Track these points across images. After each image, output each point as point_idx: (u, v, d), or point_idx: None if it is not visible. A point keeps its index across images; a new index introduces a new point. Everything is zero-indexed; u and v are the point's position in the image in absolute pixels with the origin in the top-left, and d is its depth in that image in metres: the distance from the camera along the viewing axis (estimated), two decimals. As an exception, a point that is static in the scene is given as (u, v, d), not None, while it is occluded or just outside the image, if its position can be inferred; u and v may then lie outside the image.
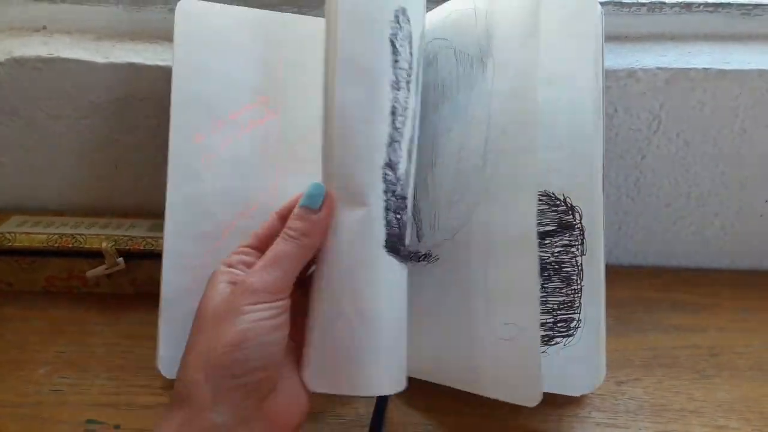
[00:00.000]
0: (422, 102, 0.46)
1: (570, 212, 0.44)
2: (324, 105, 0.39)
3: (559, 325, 0.44)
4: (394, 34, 0.39)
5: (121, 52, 0.54)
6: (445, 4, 0.47)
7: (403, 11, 0.39)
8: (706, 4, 0.56)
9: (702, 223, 0.60)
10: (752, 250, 0.62)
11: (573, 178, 0.44)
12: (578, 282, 0.44)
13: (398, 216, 0.39)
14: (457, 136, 0.44)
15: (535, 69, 0.40)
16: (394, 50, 0.39)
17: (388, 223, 0.39)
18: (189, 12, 0.48)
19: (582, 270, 0.44)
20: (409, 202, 0.41)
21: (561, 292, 0.44)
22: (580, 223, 0.44)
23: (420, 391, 0.43)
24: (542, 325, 0.44)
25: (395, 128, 0.39)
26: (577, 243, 0.44)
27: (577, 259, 0.44)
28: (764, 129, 0.55)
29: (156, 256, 0.53)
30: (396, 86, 0.39)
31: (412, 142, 0.40)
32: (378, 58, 0.38)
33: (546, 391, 0.42)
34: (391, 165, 0.39)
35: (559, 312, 0.44)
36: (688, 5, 0.56)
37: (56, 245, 0.53)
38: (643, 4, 0.56)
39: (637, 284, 0.60)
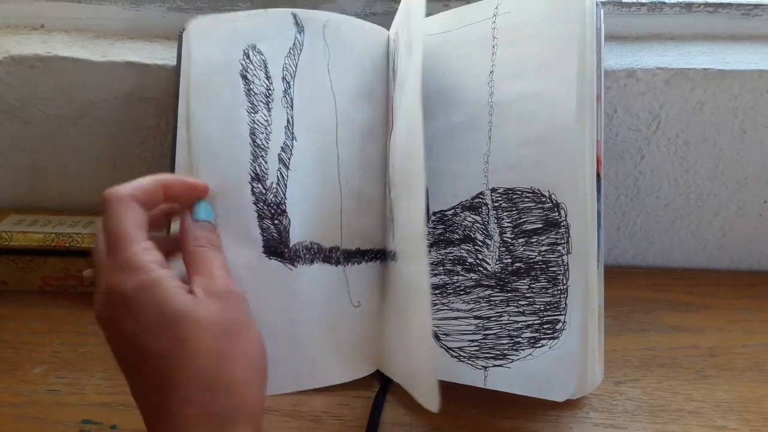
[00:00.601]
0: (396, 100, 0.47)
1: (555, 209, 0.43)
2: (188, 134, 0.44)
3: (545, 326, 0.43)
4: (245, 68, 0.45)
5: (120, 50, 0.54)
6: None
7: (254, 47, 0.45)
8: (706, 5, 0.56)
9: (701, 223, 0.60)
10: (751, 250, 0.62)
11: (558, 174, 0.43)
12: (564, 282, 0.43)
13: (275, 222, 0.43)
14: (400, 132, 0.44)
15: (418, 64, 0.39)
16: (246, 81, 0.45)
17: (264, 230, 0.43)
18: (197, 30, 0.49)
19: (568, 269, 0.43)
20: (294, 206, 0.44)
21: (547, 293, 0.43)
22: (566, 220, 0.43)
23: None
24: (528, 326, 0.44)
25: (257, 145, 0.44)
26: (562, 241, 0.43)
27: (563, 258, 0.43)
28: (763, 129, 0.55)
29: (153, 256, 0.53)
30: (253, 110, 0.44)
31: (290, 150, 0.45)
32: (231, 93, 0.44)
33: (530, 395, 0.42)
34: (258, 178, 0.43)
35: (545, 313, 0.43)
36: (688, 5, 0.56)
37: (53, 245, 0.53)
38: (643, 4, 0.56)
39: (635, 284, 0.59)
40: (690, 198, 0.59)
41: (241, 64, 0.45)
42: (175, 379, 0.31)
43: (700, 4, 0.56)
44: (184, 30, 0.50)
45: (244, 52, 0.45)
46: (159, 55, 0.53)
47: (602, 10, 0.44)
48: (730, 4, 0.56)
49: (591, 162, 0.42)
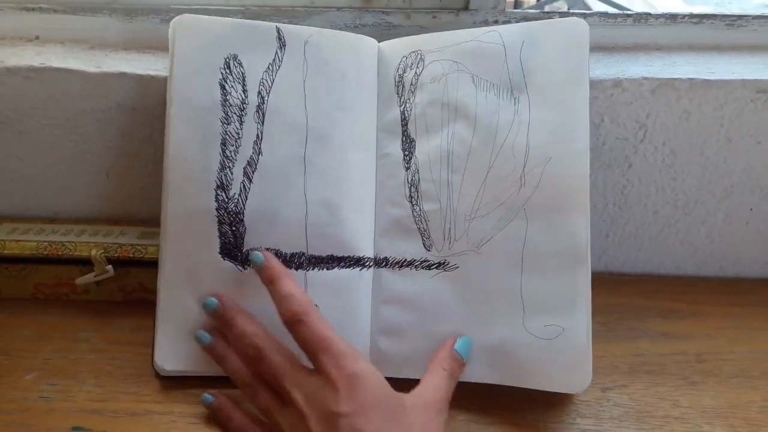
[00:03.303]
0: (424, 116, 0.50)
1: None
2: (166, 135, 0.48)
3: None
4: (224, 78, 0.48)
5: (113, 61, 0.54)
6: (456, 32, 0.51)
7: (235, 57, 0.48)
8: (691, 16, 0.57)
9: (689, 231, 0.61)
10: (739, 257, 0.62)
11: None
12: None
13: (233, 228, 0.47)
14: (482, 157, 0.48)
15: (585, 112, 0.47)
16: (224, 91, 0.48)
17: (222, 234, 0.47)
18: (184, 26, 0.49)
19: None
20: (251, 216, 0.48)
21: None
22: None
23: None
24: None
25: (226, 156, 0.47)
26: None
27: None
28: (749, 138, 0.55)
29: (145, 264, 0.53)
30: (226, 121, 0.48)
31: (255, 164, 0.48)
32: (207, 100, 0.47)
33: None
34: (223, 187, 0.47)
35: None
36: (674, 16, 0.57)
37: (46, 253, 0.53)
38: (629, 15, 0.57)
39: (624, 291, 0.60)
40: (678, 206, 0.59)
41: (221, 72, 0.48)
42: None
43: (685, 15, 0.57)
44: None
45: (225, 61, 0.48)
46: (152, 66, 0.54)
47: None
48: (714, 15, 0.57)
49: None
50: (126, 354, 0.51)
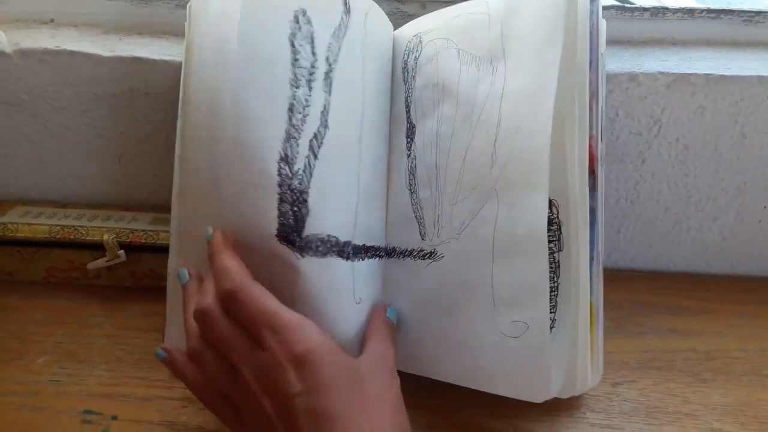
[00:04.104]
0: (421, 100, 0.48)
1: (549, 206, 0.42)
2: (208, 98, 0.40)
3: None
4: (293, 34, 0.41)
5: (128, 45, 0.54)
6: (451, 7, 0.49)
7: (303, 12, 0.42)
8: (709, 11, 0.56)
9: (701, 228, 0.61)
10: (750, 255, 0.62)
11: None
12: (554, 279, 0.43)
13: (295, 209, 0.40)
14: (463, 135, 0.45)
15: (554, 76, 0.41)
16: (293, 49, 0.41)
17: (281, 214, 0.40)
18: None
19: (559, 267, 0.43)
20: (315, 198, 0.41)
21: None
22: (557, 217, 0.43)
23: (413, 391, 0.43)
24: None
25: (292, 125, 0.41)
26: (554, 238, 0.43)
27: (554, 255, 0.43)
28: (764, 135, 0.55)
29: (157, 249, 0.53)
30: (295, 84, 0.41)
31: (321, 138, 0.42)
32: (276, 56, 0.40)
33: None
34: (287, 160, 0.40)
35: None
36: (691, 11, 0.56)
37: (58, 237, 0.53)
38: (646, 9, 0.56)
39: (634, 287, 0.60)
40: (690, 202, 0.59)
41: (290, 27, 0.41)
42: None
43: (702, 10, 0.56)
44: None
45: (295, 14, 0.42)
46: (166, 51, 0.54)
47: (600, 5, 0.44)
48: (731, 11, 0.56)
49: (581, 158, 0.42)
50: (136, 339, 0.51)
